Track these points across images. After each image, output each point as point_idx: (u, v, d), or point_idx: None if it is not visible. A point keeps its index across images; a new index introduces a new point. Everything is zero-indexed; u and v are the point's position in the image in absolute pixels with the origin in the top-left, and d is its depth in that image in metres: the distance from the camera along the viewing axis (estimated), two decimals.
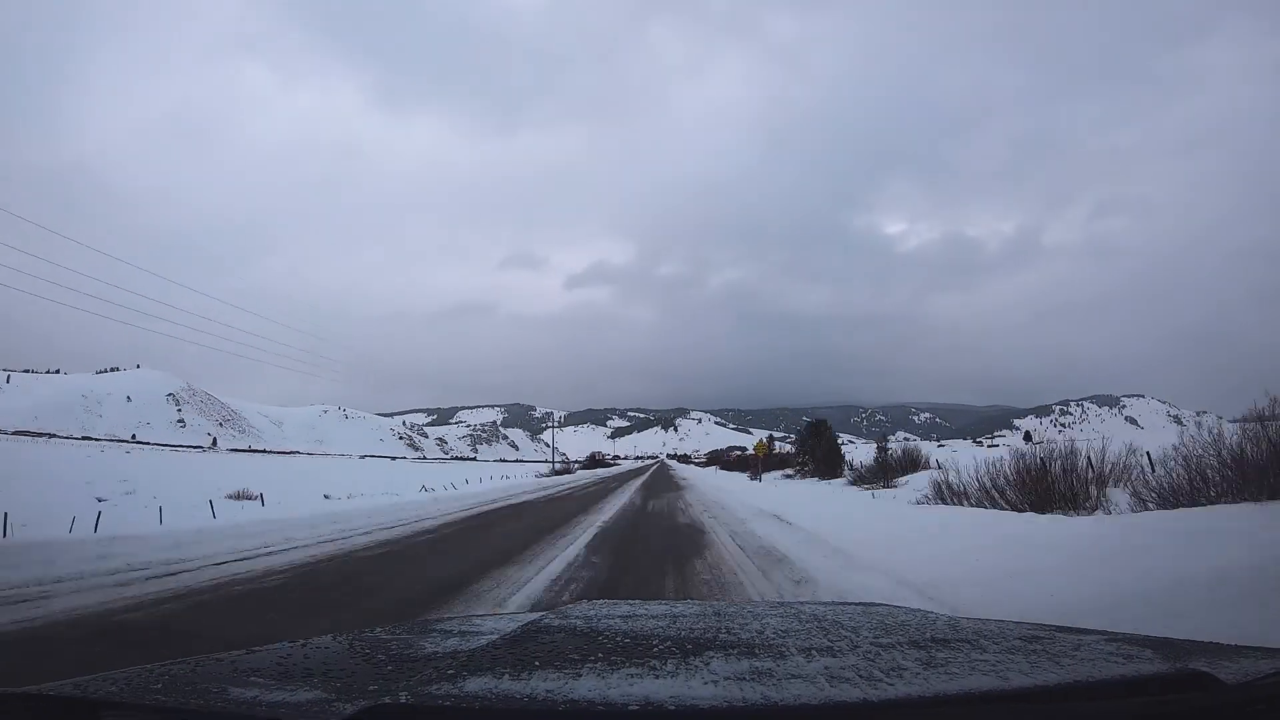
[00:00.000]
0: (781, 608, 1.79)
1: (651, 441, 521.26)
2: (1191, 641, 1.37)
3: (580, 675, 1.04)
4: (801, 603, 2.00)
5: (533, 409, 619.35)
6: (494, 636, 1.33)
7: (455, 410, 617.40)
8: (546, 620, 1.53)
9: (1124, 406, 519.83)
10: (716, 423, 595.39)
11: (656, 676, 1.04)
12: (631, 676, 1.03)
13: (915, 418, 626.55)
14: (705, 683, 1.00)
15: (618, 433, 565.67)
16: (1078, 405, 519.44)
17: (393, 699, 0.92)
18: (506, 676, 1.03)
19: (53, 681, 1.05)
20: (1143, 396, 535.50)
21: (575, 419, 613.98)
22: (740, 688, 0.97)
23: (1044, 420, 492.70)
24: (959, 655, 1.17)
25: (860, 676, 1.02)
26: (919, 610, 1.84)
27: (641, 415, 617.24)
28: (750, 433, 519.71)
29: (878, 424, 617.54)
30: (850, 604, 2.07)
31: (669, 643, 1.25)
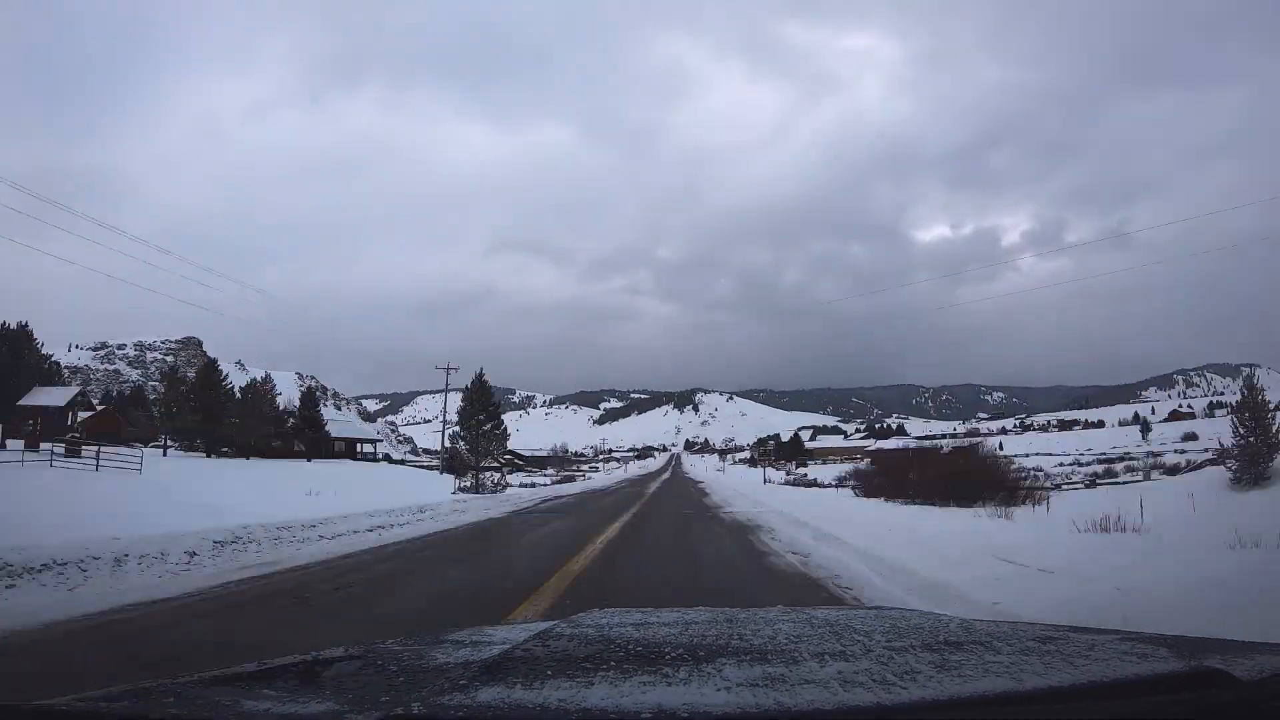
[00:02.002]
0: (793, 613, 1.81)
1: (660, 426, 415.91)
2: (1206, 639, 1.39)
3: (593, 684, 1.04)
4: (813, 608, 2.07)
5: (511, 392, 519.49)
6: (506, 646, 1.33)
7: (413, 395, 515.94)
8: (558, 629, 1.54)
9: (1249, 377, 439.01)
10: (755, 402, 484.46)
11: (669, 684, 1.04)
12: (644, 684, 1.04)
13: (988, 398, 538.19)
14: (718, 689, 1.01)
15: (609, 416, 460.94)
16: (1199, 376, 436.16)
17: (405, 710, 0.92)
18: (519, 686, 1.04)
19: (63, 696, 1.03)
20: (1259, 365, 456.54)
21: (563, 401, 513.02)
22: (753, 694, 0.97)
23: (1169, 393, 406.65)
24: (972, 658, 1.18)
25: (874, 680, 1.02)
26: (931, 613, 1.84)
27: (643, 396, 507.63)
28: (791, 415, 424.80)
29: (944, 405, 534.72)
30: (862, 608, 1.89)
31: (681, 650, 1.26)
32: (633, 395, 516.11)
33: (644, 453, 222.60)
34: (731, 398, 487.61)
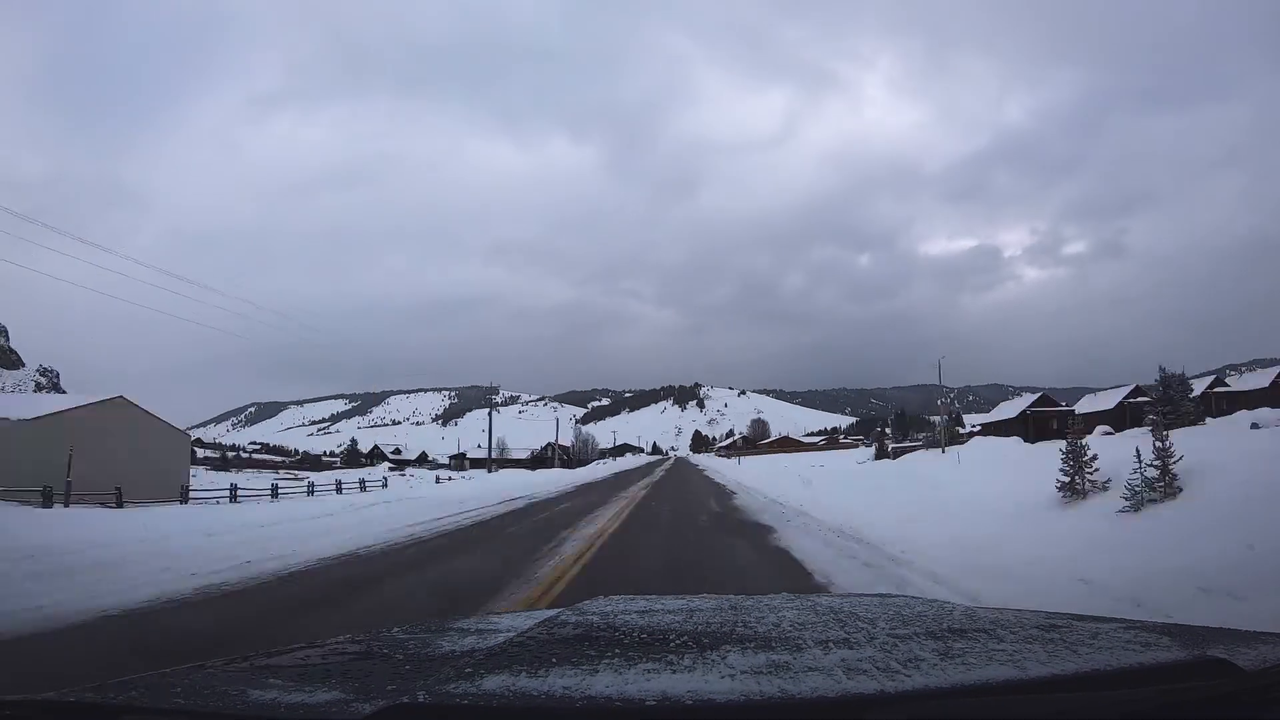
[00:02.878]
0: (798, 600, 1.81)
1: (657, 425, 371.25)
2: (1209, 628, 1.39)
3: (597, 671, 1.04)
4: (818, 595, 2.03)
5: (495, 391, 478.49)
6: (511, 634, 1.34)
7: (386, 395, 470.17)
8: (563, 617, 1.54)
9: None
10: (773, 398, 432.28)
11: (674, 671, 1.05)
12: (649, 672, 1.04)
13: (1018, 398, 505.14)
14: (722, 677, 1.01)
15: (595, 414, 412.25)
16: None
17: (411, 698, 0.93)
18: (524, 674, 1.04)
19: (73, 687, 1.05)
20: None
21: (542, 400, 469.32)
22: (757, 681, 0.98)
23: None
24: (976, 645, 1.18)
25: (877, 668, 1.02)
26: (935, 600, 1.85)
27: (631, 394, 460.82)
28: (803, 413, 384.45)
29: (970, 406, 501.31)
30: (866, 595, 2.03)
31: (686, 637, 1.27)
32: (626, 395, 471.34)
33: (572, 458, 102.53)
34: (744, 393, 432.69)
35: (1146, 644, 1.24)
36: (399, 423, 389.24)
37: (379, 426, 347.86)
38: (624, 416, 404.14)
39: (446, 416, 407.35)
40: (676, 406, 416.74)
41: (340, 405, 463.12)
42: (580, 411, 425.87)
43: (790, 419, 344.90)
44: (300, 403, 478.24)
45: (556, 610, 1.68)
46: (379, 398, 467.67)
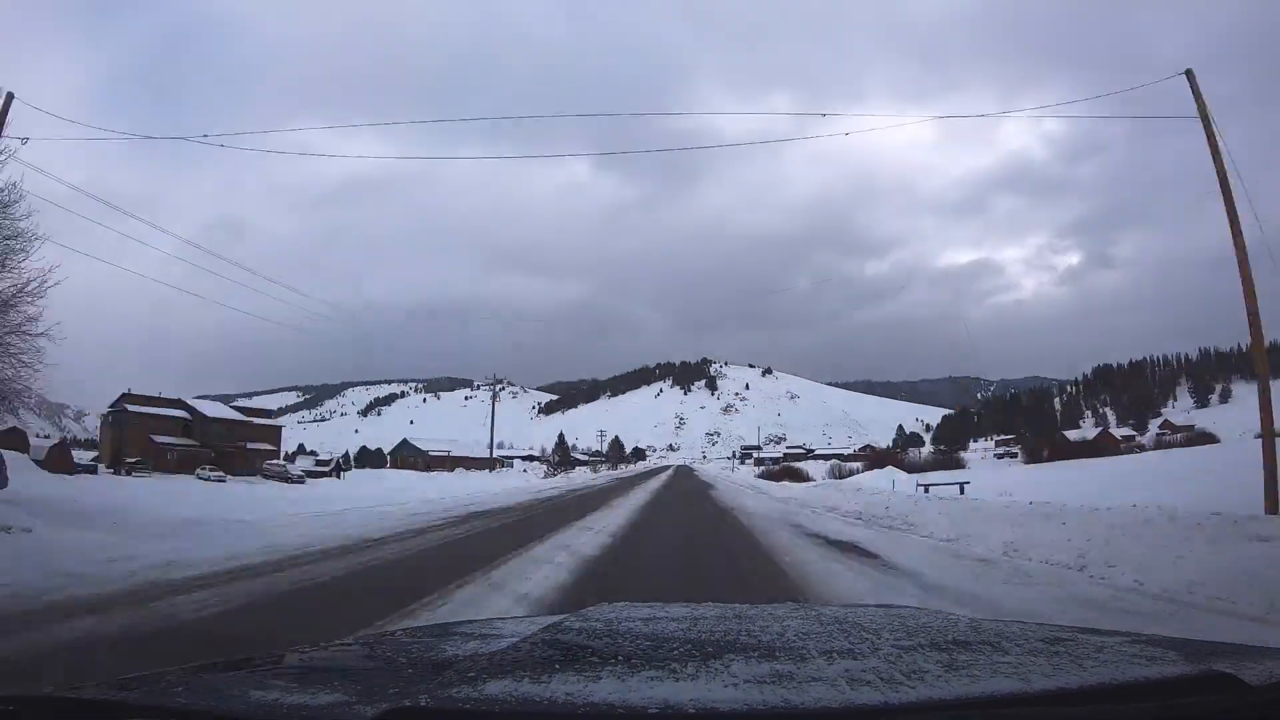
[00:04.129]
0: (802, 610, 1.79)
1: (650, 416, 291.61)
2: (1215, 643, 1.40)
3: (600, 678, 1.04)
4: (822, 605, 1.92)
5: (469, 383, 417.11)
6: (514, 639, 1.35)
7: (343, 387, 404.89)
8: (567, 623, 1.55)
9: None
10: (812, 381, 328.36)
11: (676, 679, 1.05)
12: (651, 679, 1.04)
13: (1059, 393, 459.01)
14: (725, 685, 1.01)
15: (566, 402, 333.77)
16: None
17: (413, 702, 0.92)
18: (526, 679, 1.04)
19: (77, 684, 1.07)
20: None
21: (503, 389, 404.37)
22: (760, 690, 0.98)
23: None
24: (981, 657, 1.18)
25: (881, 679, 1.02)
26: (940, 612, 1.86)
27: (610, 378, 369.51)
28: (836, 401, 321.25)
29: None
30: (871, 606, 1.93)
31: (689, 645, 1.27)
32: (608, 380, 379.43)
33: None
34: (769, 372, 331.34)
35: (1152, 658, 1.24)
36: (345, 414, 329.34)
37: (321, 422, 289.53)
38: (604, 403, 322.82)
39: (369, 408, 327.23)
40: (678, 388, 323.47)
41: (293, 398, 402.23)
42: (548, 399, 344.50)
43: (833, 408, 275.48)
44: (250, 394, 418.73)
45: (560, 616, 1.69)
46: (336, 389, 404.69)
